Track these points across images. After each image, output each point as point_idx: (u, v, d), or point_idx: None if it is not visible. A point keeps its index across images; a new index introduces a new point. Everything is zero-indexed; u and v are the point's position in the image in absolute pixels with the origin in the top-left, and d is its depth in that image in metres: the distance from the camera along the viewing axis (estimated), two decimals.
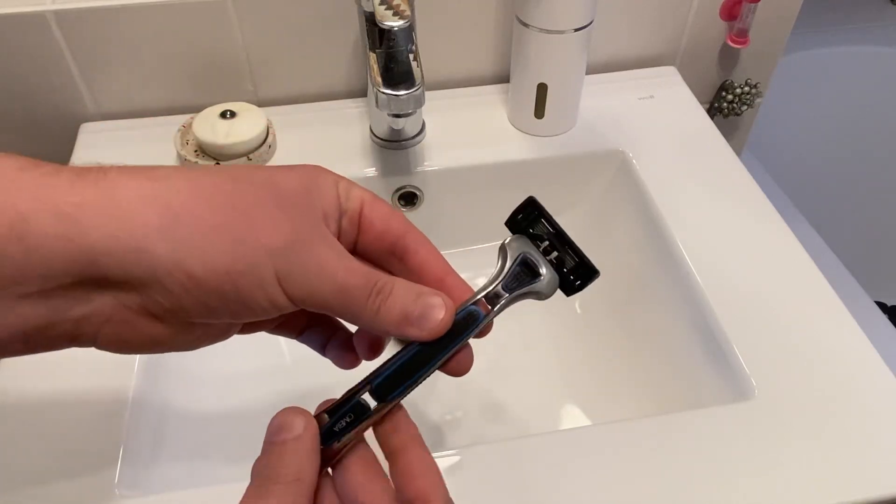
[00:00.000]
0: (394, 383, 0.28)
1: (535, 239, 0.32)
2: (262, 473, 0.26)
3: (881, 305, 1.06)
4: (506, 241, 0.31)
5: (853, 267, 0.95)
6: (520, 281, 0.31)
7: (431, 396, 0.57)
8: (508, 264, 0.31)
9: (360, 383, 0.28)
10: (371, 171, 0.61)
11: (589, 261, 0.32)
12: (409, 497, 0.27)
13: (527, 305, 0.68)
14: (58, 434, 0.43)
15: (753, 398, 0.45)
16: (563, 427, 0.55)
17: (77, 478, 0.41)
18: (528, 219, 0.33)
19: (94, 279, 0.23)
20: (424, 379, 0.28)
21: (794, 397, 0.45)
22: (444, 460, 0.42)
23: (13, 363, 0.46)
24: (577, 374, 0.58)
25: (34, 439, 0.43)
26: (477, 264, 0.65)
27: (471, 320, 0.29)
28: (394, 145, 0.62)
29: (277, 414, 0.27)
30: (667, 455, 0.42)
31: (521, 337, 0.61)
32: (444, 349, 0.28)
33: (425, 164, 0.62)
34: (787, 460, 0.42)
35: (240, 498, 0.25)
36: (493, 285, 0.30)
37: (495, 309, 0.29)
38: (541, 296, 0.31)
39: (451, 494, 0.39)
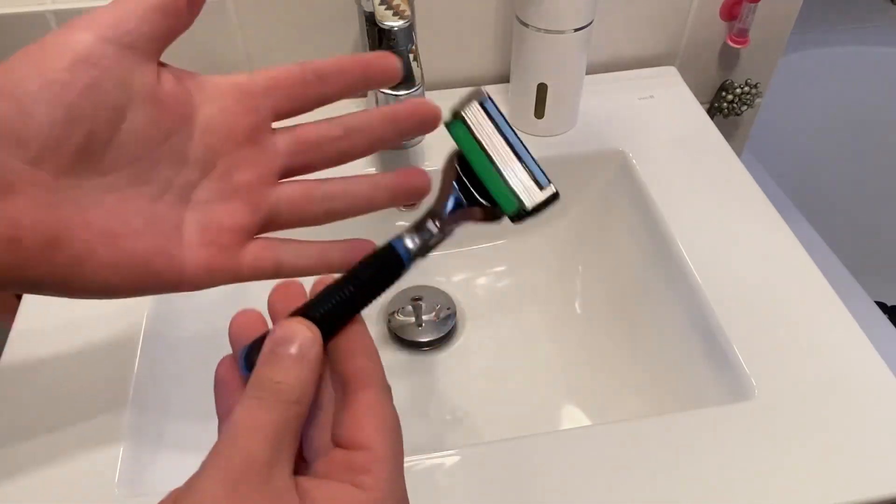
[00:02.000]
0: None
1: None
2: (264, 385, 0.23)
3: (881, 305, 1.06)
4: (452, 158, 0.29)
5: (853, 267, 0.95)
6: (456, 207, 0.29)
7: (432, 396, 0.57)
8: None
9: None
10: (371, 171, 0.61)
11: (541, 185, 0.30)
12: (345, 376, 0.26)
13: (527, 305, 0.68)
14: (57, 433, 0.43)
15: (753, 398, 0.45)
16: (563, 427, 0.55)
17: (77, 477, 0.41)
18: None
19: None
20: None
21: (794, 397, 0.45)
22: (444, 460, 0.42)
23: (10, 361, 0.46)
24: (577, 374, 0.58)
25: (33, 437, 0.43)
26: (477, 264, 0.65)
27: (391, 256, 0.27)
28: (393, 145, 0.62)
29: (284, 323, 0.24)
30: (667, 455, 0.42)
31: (521, 337, 0.61)
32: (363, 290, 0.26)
33: (425, 164, 0.61)
34: (787, 460, 0.42)
35: None
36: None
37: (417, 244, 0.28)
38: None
39: (452, 494, 0.39)
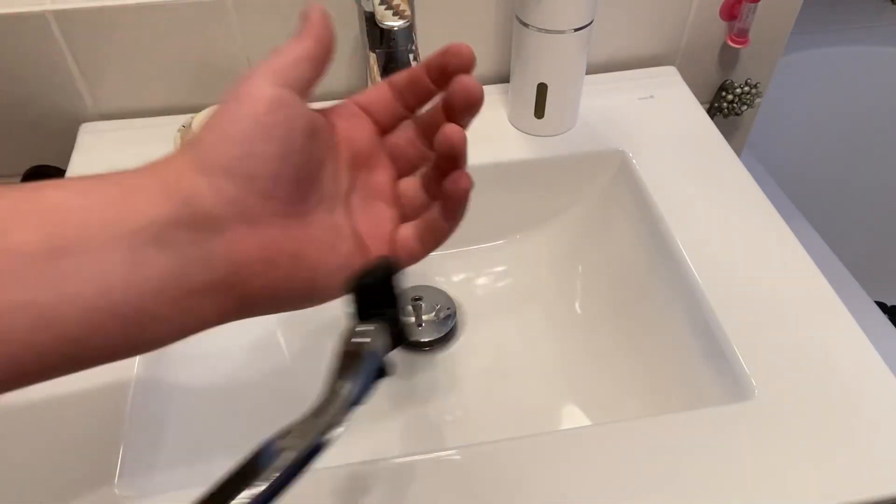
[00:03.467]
0: None
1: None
2: None
3: (881, 305, 1.06)
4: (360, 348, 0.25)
5: (853, 267, 0.95)
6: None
7: (432, 396, 0.57)
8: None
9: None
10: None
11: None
12: None
13: (527, 305, 0.68)
14: (57, 434, 0.43)
15: (753, 398, 0.45)
16: (563, 427, 0.55)
17: (77, 478, 0.41)
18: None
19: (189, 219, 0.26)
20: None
21: (794, 397, 0.45)
22: (444, 460, 0.42)
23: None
24: (577, 374, 0.58)
25: (33, 440, 0.43)
26: (477, 264, 0.65)
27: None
28: None
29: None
30: (667, 455, 0.42)
31: (521, 337, 0.61)
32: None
33: None
34: (787, 460, 0.42)
35: None
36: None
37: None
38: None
39: (452, 494, 0.39)
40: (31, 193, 0.24)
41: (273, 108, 0.28)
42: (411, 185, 0.33)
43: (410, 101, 0.33)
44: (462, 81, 0.30)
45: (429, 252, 0.33)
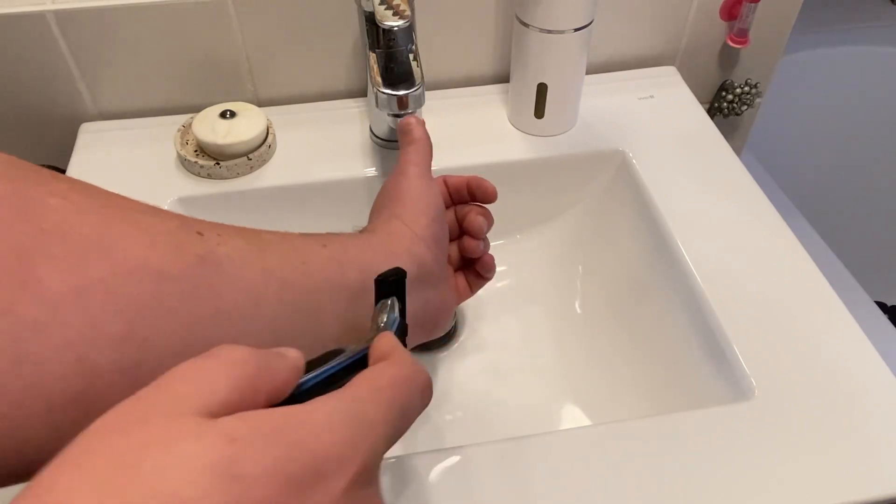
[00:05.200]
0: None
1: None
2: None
3: (881, 305, 1.06)
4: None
5: (853, 267, 0.95)
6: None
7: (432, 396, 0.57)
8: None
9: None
10: (371, 171, 0.61)
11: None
12: None
13: (527, 305, 0.68)
14: None
15: (753, 398, 0.45)
16: (563, 427, 0.55)
17: None
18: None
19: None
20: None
21: (794, 397, 0.45)
22: (444, 460, 0.42)
23: None
24: (577, 373, 0.58)
25: None
26: None
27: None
28: (394, 145, 0.62)
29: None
30: (667, 455, 0.42)
31: (521, 337, 0.61)
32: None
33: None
34: (787, 460, 0.42)
35: None
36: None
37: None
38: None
39: (452, 494, 0.40)
40: (342, 246, 0.33)
41: (440, 193, 0.40)
42: (453, 249, 0.45)
43: (455, 196, 0.45)
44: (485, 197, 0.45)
45: (474, 293, 0.46)
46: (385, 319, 0.30)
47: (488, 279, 0.45)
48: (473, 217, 0.43)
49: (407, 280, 0.35)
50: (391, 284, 0.31)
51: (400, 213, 0.37)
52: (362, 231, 0.37)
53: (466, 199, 0.45)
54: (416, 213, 0.37)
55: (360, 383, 0.22)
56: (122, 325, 0.22)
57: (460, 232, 0.45)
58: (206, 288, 0.25)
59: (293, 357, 0.21)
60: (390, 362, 0.24)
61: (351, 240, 0.34)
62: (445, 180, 0.45)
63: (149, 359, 0.23)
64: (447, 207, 0.44)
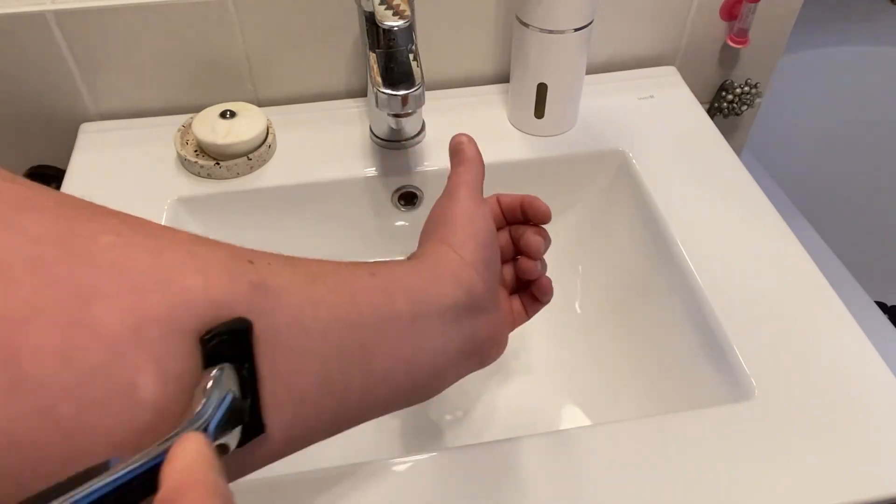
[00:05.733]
0: None
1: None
2: None
3: (881, 305, 1.06)
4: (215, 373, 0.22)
5: (853, 267, 0.95)
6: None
7: None
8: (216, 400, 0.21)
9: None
10: (371, 171, 0.61)
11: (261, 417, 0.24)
12: None
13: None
14: None
15: (753, 398, 0.45)
16: (563, 427, 0.55)
17: None
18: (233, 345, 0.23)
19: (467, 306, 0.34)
20: None
21: (794, 397, 0.45)
22: (444, 460, 0.42)
23: None
24: (577, 374, 0.58)
25: None
26: None
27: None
28: (394, 145, 0.62)
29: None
30: (667, 455, 0.42)
31: (521, 337, 0.61)
32: None
33: (425, 164, 0.62)
34: (787, 460, 0.42)
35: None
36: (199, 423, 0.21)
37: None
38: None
39: (452, 494, 0.39)
40: (390, 274, 0.32)
41: (491, 215, 0.39)
42: (508, 271, 0.43)
43: (508, 216, 0.44)
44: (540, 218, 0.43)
45: (531, 318, 0.43)
46: (201, 408, 0.20)
47: (545, 303, 0.43)
48: (530, 237, 0.41)
49: (454, 308, 0.32)
50: (225, 343, 0.22)
51: (448, 237, 0.36)
52: (410, 258, 0.36)
53: (520, 218, 0.43)
54: (464, 238, 0.36)
55: None
56: (185, 361, 0.21)
57: (515, 253, 0.43)
58: (260, 317, 0.24)
59: None
60: None
61: (399, 268, 0.33)
62: (499, 199, 0.43)
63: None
64: (501, 228, 0.43)
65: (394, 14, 0.48)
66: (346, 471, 0.41)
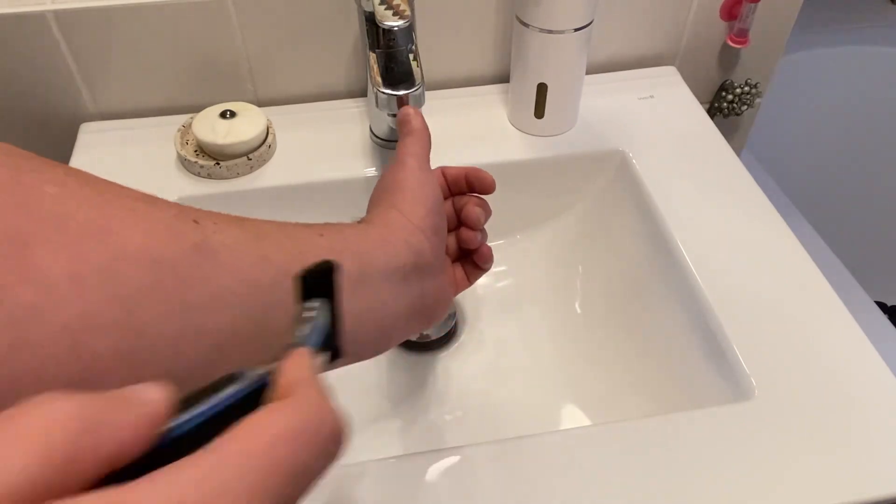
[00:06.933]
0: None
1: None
2: None
3: (881, 305, 1.06)
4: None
5: (853, 267, 0.95)
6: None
7: (432, 396, 0.57)
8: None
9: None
10: (371, 171, 0.61)
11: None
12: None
13: (527, 305, 0.68)
14: None
15: (753, 398, 0.45)
16: (563, 427, 0.55)
17: None
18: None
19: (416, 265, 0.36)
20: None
21: (794, 397, 0.45)
22: (444, 460, 0.42)
23: None
24: (577, 373, 0.58)
25: None
26: None
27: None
28: (394, 145, 0.62)
29: None
30: (667, 455, 0.42)
31: (521, 337, 0.61)
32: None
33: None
34: (787, 460, 0.42)
35: None
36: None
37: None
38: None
39: (452, 494, 0.39)
40: (339, 236, 0.33)
41: (438, 184, 0.40)
42: (451, 240, 0.44)
43: (452, 187, 0.45)
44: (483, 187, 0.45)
45: (472, 284, 0.45)
46: (304, 331, 0.23)
47: (486, 270, 0.45)
48: (471, 208, 0.43)
49: (402, 269, 0.32)
50: (318, 281, 0.25)
51: (398, 203, 0.37)
52: (360, 221, 0.37)
53: (465, 190, 0.45)
54: (414, 204, 0.37)
55: (230, 444, 0.16)
56: (119, 311, 0.22)
57: (458, 223, 0.45)
58: (202, 275, 0.25)
59: (149, 399, 0.17)
60: (286, 405, 0.18)
61: (348, 229, 0.34)
62: (444, 171, 0.45)
63: (144, 345, 0.23)
64: (445, 198, 0.44)
65: (394, 14, 0.48)
66: (346, 471, 0.41)
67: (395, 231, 0.36)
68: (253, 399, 0.20)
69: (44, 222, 0.21)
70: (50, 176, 0.23)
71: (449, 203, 0.45)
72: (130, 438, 0.16)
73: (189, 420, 0.18)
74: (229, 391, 0.19)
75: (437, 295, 0.38)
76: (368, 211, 0.39)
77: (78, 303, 0.21)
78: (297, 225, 0.32)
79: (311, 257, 0.28)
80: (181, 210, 0.26)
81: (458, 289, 0.44)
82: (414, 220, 0.37)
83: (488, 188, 0.44)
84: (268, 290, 0.27)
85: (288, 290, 0.27)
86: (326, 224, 0.33)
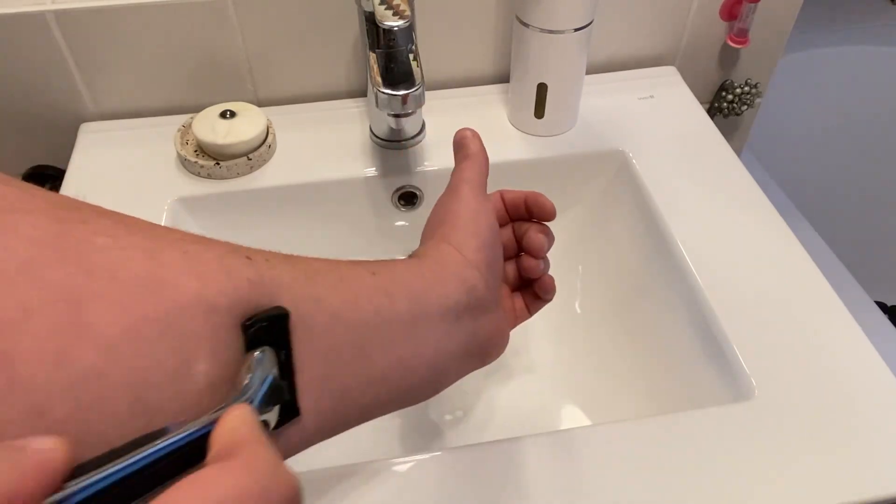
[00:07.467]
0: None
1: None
2: None
3: (881, 305, 1.06)
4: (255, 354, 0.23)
5: (853, 267, 0.95)
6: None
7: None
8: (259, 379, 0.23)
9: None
10: (371, 171, 0.61)
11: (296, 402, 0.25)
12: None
13: None
14: None
15: (753, 398, 0.45)
16: (563, 427, 0.55)
17: None
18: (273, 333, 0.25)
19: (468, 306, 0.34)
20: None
21: (794, 397, 0.45)
22: (444, 460, 0.42)
23: None
24: (577, 374, 0.58)
25: None
26: None
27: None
28: (394, 145, 0.62)
29: None
30: (667, 455, 0.42)
31: (521, 337, 0.61)
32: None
33: (425, 164, 0.62)
34: (787, 460, 0.42)
35: None
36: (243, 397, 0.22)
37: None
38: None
39: (451, 494, 0.39)
40: (391, 274, 0.31)
41: (494, 213, 0.38)
42: (511, 268, 0.43)
43: (512, 213, 0.43)
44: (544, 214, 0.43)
45: (532, 316, 0.43)
46: (247, 382, 0.22)
47: (548, 301, 0.42)
48: (534, 235, 0.41)
49: (456, 308, 0.31)
50: (265, 329, 0.23)
51: (451, 236, 0.36)
52: (412, 256, 0.36)
53: (524, 215, 0.43)
54: (467, 237, 0.36)
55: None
56: (178, 363, 0.21)
57: (518, 250, 0.43)
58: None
59: (41, 448, 0.16)
60: (231, 465, 0.18)
61: (400, 267, 0.33)
62: (502, 195, 0.43)
63: (204, 390, 0.22)
64: (504, 224, 0.43)
65: (394, 14, 0.48)
66: (346, 471, 0.41)
67: (448, 267, 0.34)
68: (194, 457, 0.19)
69: (96, 277, 0.20)
70: (99, 226, 0.22)
71: (508, 229, 0.43)
72: (16, 487, 0.15)
73: (90, 485, 0.16)
74: (148, 449, 0.18)
75: (491, 331, 0.37)
76: (422, 243, 0.38)
77: (137, 359, 0.20)
78: (348, 264, 0.30)
79: (365, 301, 0.28)
80: (232, 248, 0.25)
81: (517, 321, 0.42)
82: (467, 255, 0.35)
83: (549, 215, 0.42)
84: (321, 336, 0.26)
85: (339, 336, 0.27)
86: (378, 262, 0.32)
